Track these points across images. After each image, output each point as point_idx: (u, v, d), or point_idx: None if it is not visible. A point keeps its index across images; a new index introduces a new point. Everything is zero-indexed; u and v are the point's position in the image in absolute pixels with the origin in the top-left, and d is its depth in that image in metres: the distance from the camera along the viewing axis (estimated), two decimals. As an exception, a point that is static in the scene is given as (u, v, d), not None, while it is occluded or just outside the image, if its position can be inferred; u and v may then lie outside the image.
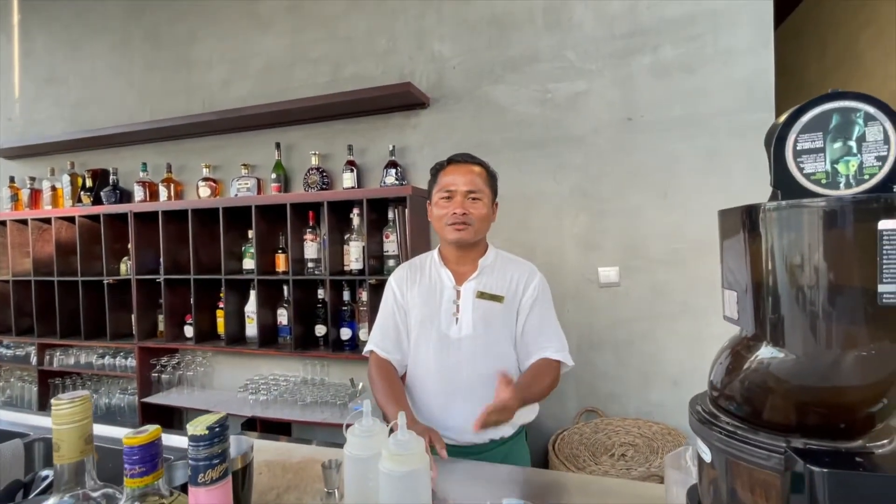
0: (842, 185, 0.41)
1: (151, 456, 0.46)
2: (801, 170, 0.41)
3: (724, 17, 1.82)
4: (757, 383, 0.42)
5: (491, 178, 1.28)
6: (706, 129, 1.84)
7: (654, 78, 1.90)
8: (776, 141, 0.41)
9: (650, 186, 1.91)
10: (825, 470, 0.34)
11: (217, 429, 0.50)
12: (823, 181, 0.41)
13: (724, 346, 0.49)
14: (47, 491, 0.85)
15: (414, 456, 0.63)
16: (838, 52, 3.42)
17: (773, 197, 0.43)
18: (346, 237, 2.19)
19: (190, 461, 0.49)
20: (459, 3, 2.15)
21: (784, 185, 0.42)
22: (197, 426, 0.50)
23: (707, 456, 0.45)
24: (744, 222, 0.43)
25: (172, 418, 2.59)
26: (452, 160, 1.26)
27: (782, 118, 0.41)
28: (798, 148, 0.41)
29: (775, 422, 0.41)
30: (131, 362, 2.52)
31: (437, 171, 1.28)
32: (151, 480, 0.48)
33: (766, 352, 0.42)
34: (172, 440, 1.08)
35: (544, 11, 2.03)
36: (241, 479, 0.75)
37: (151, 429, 0.48)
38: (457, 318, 1.22)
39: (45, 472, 0.88)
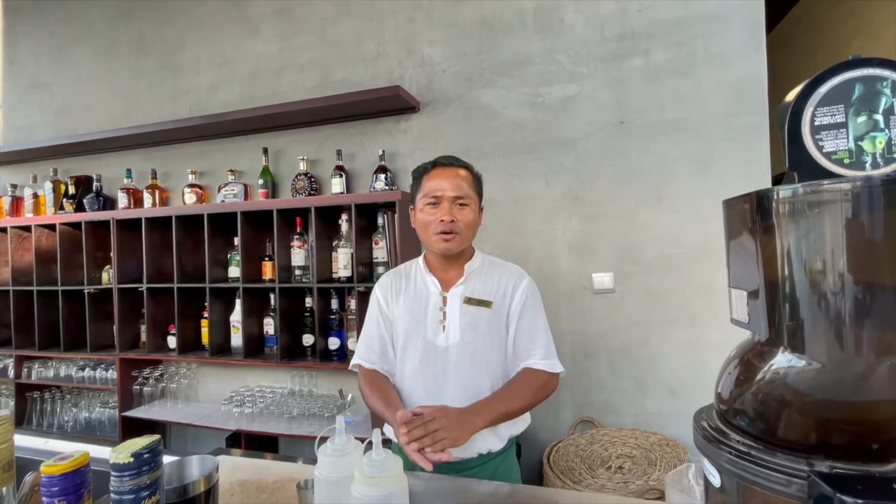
0: (868, 165, 0.35)
1: (75, 486, 0.40)
2: (820, 148, 0.36)
3: (716, 20, 1.80)
4: (773, 396, 0.37)
5: (477, 182, 1.23)
6: (699, 132, 1.82)
7: (646, 81, 1.88)
8: (791, 115, 0.36)
9: (643, 190, 1.87)
10: (859, 500, 0.29)
11: (146, 455, 0.43)
12: (846, 161, 0.35)
13: (731, 355, 0.43)
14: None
15: (390, 478, 0.57)
16: (829, 60, 3.42)
17: (789, 180, 0.38)
18: (334, 244, 2.14)
19: (112, 495, 0.42)
20: (448, 8, 2.12)
21: (801, 166, 0.36)
22: (120, 452, 0.43)
23: (715, 479, 0.39)
24: (753, 211, 0.38)
25: (155, 433, 2.50)
26: (437, 163, 1.21)
27: (797, 90, 0.36)
28: (816, 123, 0.36)
29: (794, 440, 0.35)
30: (112, 374, 2.44)
31: (420, 174, 1.22)
32: (75, 515, 0.41)
33: (782, 360, 0.37)
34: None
35: (534, 14, 2.01)
36: (204, 502, 0.68)
37: (76, 454, 0.41)
38: (444, 326, 1.17)
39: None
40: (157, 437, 0.46)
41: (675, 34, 1.84)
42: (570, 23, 1.96)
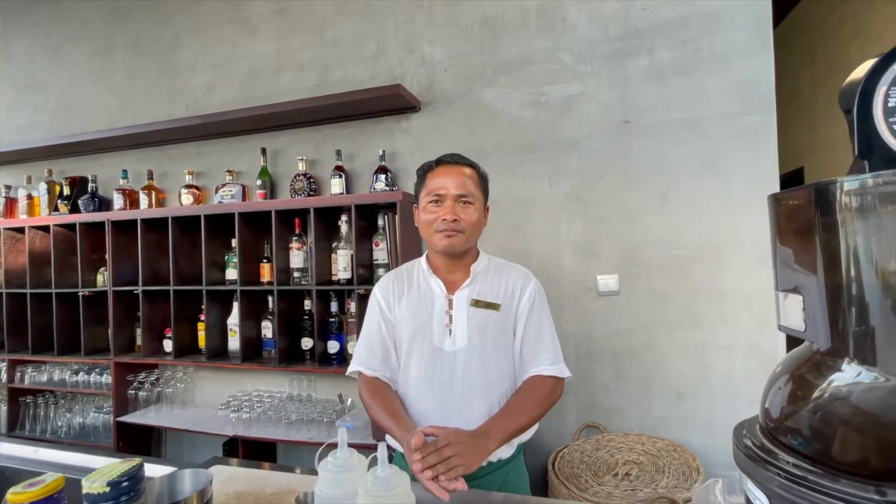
0: (951, 153, 0.32)
1: (48, 515, 0.36)
2: (895, 133, 0.32)
3: (721, 18, 1.77)
4: (836, 415, 0.33)
5: (482, 181, 1.20)
6: (704, 132, 1.79)
7: (651, 80, 1.85)
8: (860, 96, 0.32)
9: (648, 191, 1.84)
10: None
11: (124, 483, 0.39)
12: (927, 147, 0.32)
13: (777, 370, 0.39)
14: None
15: (396, 496, 0.53)
16: (828, 61, 3.41)
17: (856, 170, 0.34)
18: (333, 245, 2.10)
19: (87, 528, 0.37)
20: (450, 6, 2.09)
21: (872, 153, 0.33)
22: (94, 481, 0.38)
23: (762, 504, 0.35)
24: (812, 207, 0.34)
25: (150, 439, 2.45)
26: (442, 161, 1.17)
27: (867, 64, 0.32)
28: (890, 104, 0.32)
29: (859, 464, 0.31)
30: (107, 379, 2.39)
31: (424, 172, 1.19)
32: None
33: (848, 372, 0.33)
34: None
35: (537, 13, 1.98)
36: (199, 519, 0.64)
37: (49, 480, 0.37)
38: (450, 330, 1.13)
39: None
40: (137, 461, 0.42)
41: (679, 33, 1.82)
42: (574, 21, 1.93)
